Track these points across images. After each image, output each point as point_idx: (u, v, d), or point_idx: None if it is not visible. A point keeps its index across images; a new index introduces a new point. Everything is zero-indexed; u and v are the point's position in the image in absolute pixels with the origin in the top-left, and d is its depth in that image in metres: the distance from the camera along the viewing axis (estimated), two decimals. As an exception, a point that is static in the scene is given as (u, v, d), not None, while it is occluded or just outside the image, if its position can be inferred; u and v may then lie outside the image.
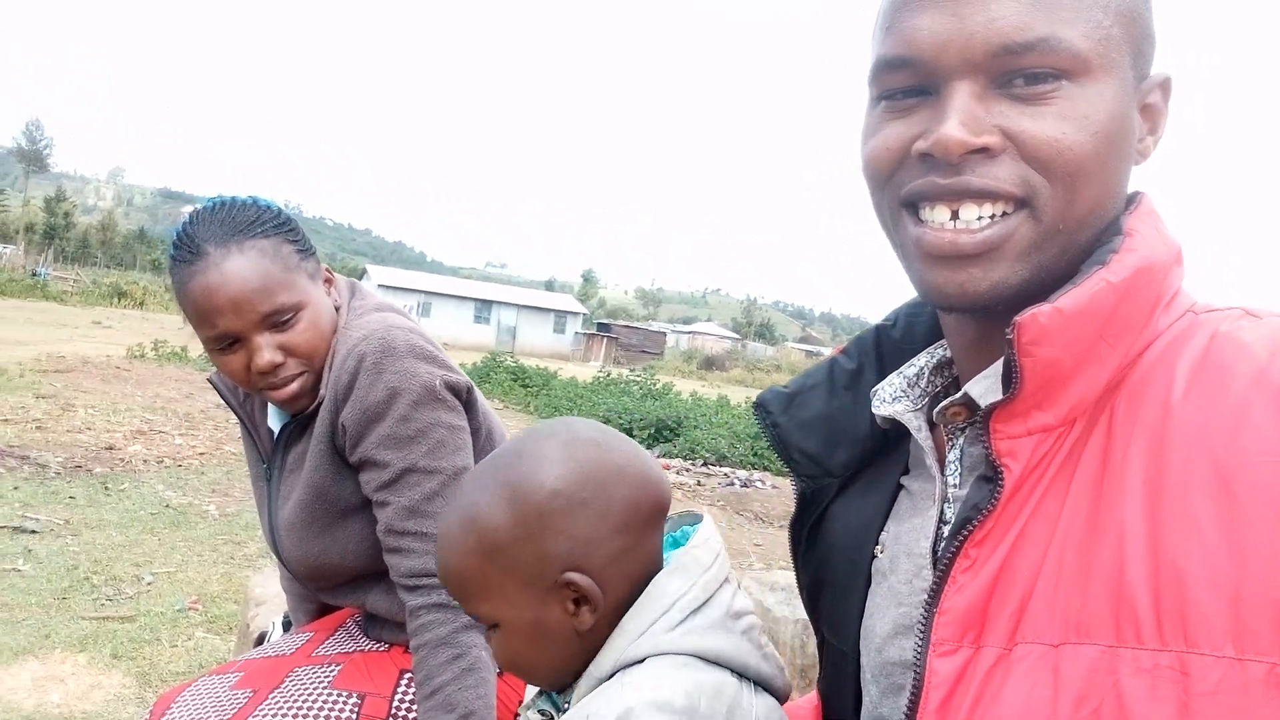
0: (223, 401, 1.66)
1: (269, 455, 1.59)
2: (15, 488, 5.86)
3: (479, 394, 1.54)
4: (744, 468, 11.85)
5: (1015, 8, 0.67)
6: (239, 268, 1.36)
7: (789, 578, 3.24)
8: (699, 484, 10.12)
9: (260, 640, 2.01)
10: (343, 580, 1.54)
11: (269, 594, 2.63)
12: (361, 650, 1.55)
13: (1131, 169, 0.75)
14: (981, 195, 0.70)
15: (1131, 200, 0.77)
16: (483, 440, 1.54)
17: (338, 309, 1.51)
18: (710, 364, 50.33)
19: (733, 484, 10.55)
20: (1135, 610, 0.61)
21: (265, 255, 1.39)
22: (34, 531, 5.02)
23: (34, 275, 36.08)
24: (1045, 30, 0.67)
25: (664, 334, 67.27)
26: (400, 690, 1.46)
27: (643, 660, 0.85)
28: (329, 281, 1.54)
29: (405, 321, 1.49)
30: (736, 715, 0.83)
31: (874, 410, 0.87)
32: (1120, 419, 0.69)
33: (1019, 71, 0.68)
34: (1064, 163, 0.68)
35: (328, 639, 1.60)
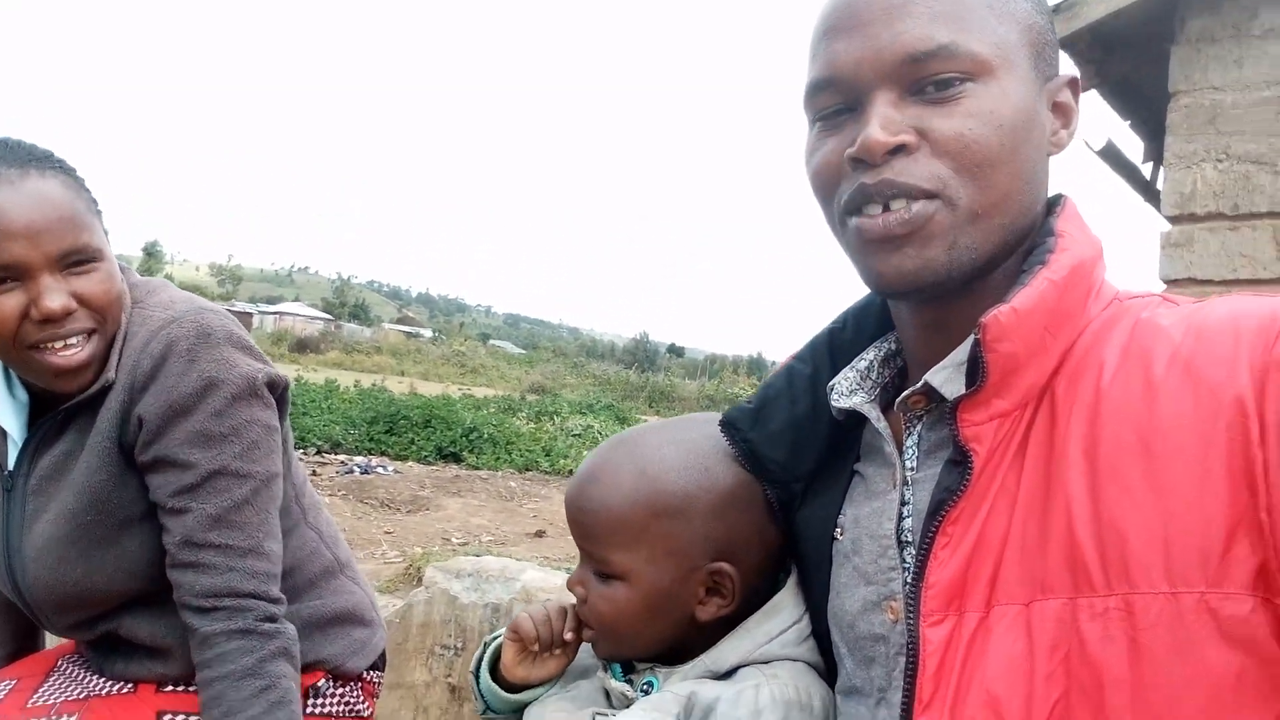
0: None
1: (6, 461, 1.29)
2: None
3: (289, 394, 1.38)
4: (361, 454, 11.44)
5: (916, 23, 0.77)
6: (42, 190, 1.15)
7: (475, 563, 3.23)
8: (314, 473, 9.57)
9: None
10: (99, 609, 1.29)
11: None
12: (98, 695, 1.31)
13: (1048, 158, 0.84)
14: (902, 193, 0.78)
15: (1055, 203, 0.86)
16: (285, 446, 1.37)
17: None
18: (303, 346, 47.44)
19: (352, 471, 10.17)
20: (1086, 564, 0.71)
21: (69, 189, 1.18)
22: None
23: None
24: (945, 38, 0.76)
25: (249, 314, 62.10)
26: None
27: (768, 663, 0.91)
28: None
29: (215, 305, 1.29)
30: None
31: (832, 403, 0.92)
32: (1061, 399, 0.78)
33: (928, 78, 0.77)
34: (971, 154, 0.77)
35: (41, 685, 1.33)
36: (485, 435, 12.67)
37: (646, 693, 0.95)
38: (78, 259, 1.18)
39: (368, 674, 1.51)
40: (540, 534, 8.45)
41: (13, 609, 1.45)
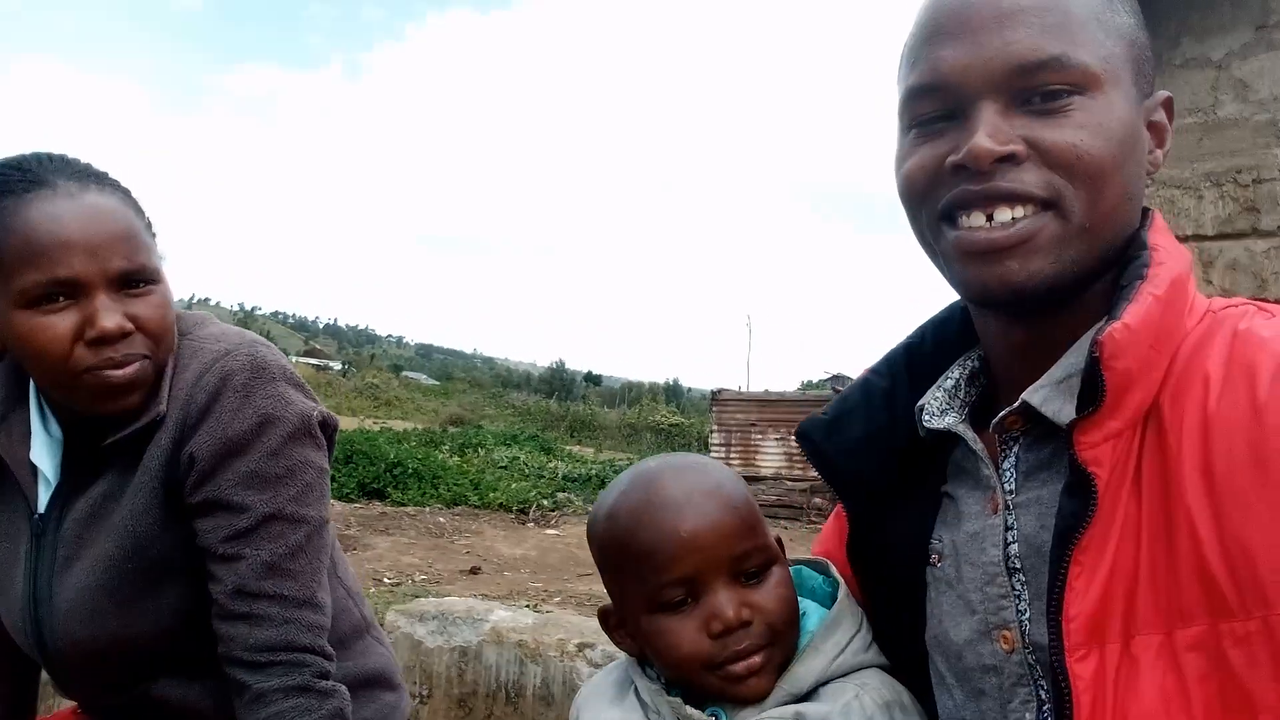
0: None
1: (36, 504, 1.17)
2: None
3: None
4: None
5: (1028, 32, 0.76)
6: (103, 205, 1.08)
7: (439, 605, 3.10)
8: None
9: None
10: (130, 670, 1.17)
11: None
12: None
13: (1144, 179, 0.83)
14: (1012, 198, 0.76)
15: (1145, 215, 0.85)
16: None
17: None
18: (208, 382, 45.77)
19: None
20: (1220, 587, 0.69)
21: (128, 206, 1.11)
22: None
23: None
24: (1056, 50, 0.75)
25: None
26: None
27: (845, 675, 0.91)
28: None
29: (266, 340, 1.22)
30: None
31: (926, 425, 0.89)
32: (1169, 417, 0.76)
33: (1036, 89, 0.76)
34: (1084, 166, 0.76)
35: None
36: (410, 470, 12.38)
37: None
38: (136, 279, 1.10)
39: None
40: (475, 570, 8.24)
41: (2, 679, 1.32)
